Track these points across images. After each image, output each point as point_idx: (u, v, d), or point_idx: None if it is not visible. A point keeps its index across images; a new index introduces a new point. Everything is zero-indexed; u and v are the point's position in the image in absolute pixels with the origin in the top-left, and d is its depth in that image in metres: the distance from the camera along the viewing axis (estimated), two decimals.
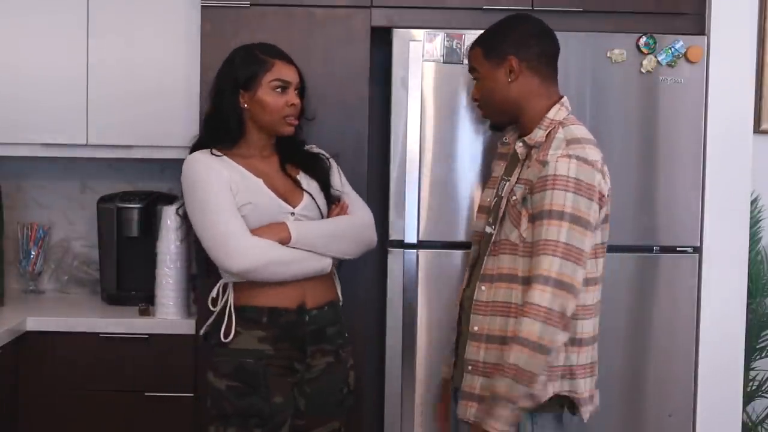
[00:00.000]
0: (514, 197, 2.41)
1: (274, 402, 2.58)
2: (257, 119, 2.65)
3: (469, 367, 2.46)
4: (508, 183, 2.48)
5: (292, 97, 2.65)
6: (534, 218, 2.35)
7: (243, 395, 2.57)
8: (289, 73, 2.66)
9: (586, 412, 2.45)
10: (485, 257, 2.47)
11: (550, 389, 2.37)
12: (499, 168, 2.61)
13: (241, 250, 2.53)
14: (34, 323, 3.12)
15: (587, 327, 2.43)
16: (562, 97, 2.49)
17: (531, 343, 2.27)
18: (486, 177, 2.78)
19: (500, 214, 2.45)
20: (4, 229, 3.39)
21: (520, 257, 2.38)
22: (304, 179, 2.71)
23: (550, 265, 2.28)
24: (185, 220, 2.68)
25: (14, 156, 3.41)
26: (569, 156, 2.33)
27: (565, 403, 2.44)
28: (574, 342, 2.40)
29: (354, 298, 2.99)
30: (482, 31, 2.58)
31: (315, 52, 3.02)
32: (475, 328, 2.45)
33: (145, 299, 3.25)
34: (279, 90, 2.63)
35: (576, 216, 2.29)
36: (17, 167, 3.62)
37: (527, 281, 2.34)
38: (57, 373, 3.12)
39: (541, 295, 2.27)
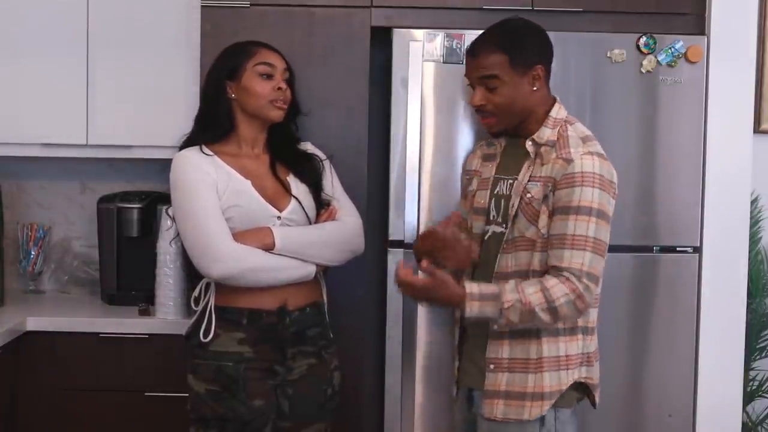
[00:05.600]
0: (529, 195, 2.43)
1: (254, 405, 2.58)
2: (246, 107, 2.64)
3: (492, 366, 2.48)
4: (514, 181, 2.49)
5: (279, 81, 2.64)
6: (556, 212, 2.39)
7: (222, 399, 2.57)
8: (273, 58, 2.65)
9: (596, 396, 2.54)
10: (498, 256, 2.49)
11: (570, 378, 2.45)
12: (487, 169, 2.61)
13: (221, 256, 2.52)
14: (34, 323, 3.12)
15: (594, 316, 2.52)
16: (555, 96, 2.55)
17: (551, 303, 2.34)
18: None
19: (512, 213, 2.46)
20: (4, 229, 3.39)
21: (537, 252, 2.43)
22: (293, 182, 2.69)
23: (582, 258, 2.35)
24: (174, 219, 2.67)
25: (14, 156, 3.41)
26: (591, 153, 2.40)
27: (580, 393, 2.51)
28: (587, 331, 2.49)
29: (354, 297, 2.99)
30: (490, 35, 2.51)
31: (315, 52, 3.02)
32: (495, 327, 2.46)
33: (145, 299, 3.26)
34: (265, 76, 2.62)
35: (602, 211, 2.38)
36: (17, 167, 3.62)
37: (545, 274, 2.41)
38: (57, 373, 3.12)
39: (578, 281, 2.35)
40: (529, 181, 2.45)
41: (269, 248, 2.56)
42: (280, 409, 2.65)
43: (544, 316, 2.36)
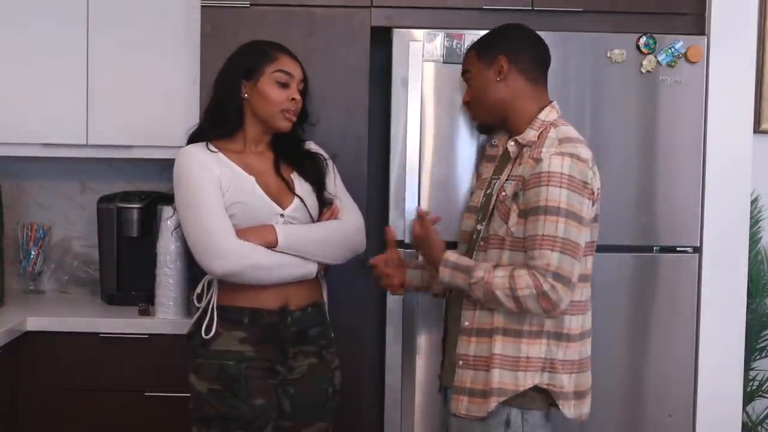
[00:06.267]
0: (503, 193, 2.45)
1: (256, 404, 2.58)
2: (256, 111, 2.64)
3: (460, 362, 2.49)
4: (498, 181, 2.52)
5: (294, 92, 2.64)
6: (527, 213, 2.39)
7: (224, 398, 2.57)
8: (292, 67, 2.65)
9: (566, 407, 2.46)
10: (474, 253, 2.52)
11: (529, 380, 2.42)
12: (487, 170, 2.66)
13: (224, 253, 2.52)
14: (34, 323, 3.12)
15: (575, 323, 2.47)
16: (552, 101, 2.54)
17: (514, 291, 2.35)
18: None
19: (489, 211, 2.49)
20: (4, 229, 3.39)
21: (506, 251, 2.43)
22: (297, 180, 2.69)
23: (549, 258, 2.33)
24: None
25: (14, 156, 3.41)
26: (562, 154, 2.37)
27: (550, 400, 2.47)
28: (561, 337, 2.45)
29: (354, 297, 2.99)
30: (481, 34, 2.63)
31: (315, 52, 3.02)
32: (466, 323, 2.49)
33: (145, 299, 3.26)
34: (281, 83, 2.62)
35: (571, 212, 2.35)
36: (17, 167, 3.62)
37: None
38: (57, 373, 3.12)
39: (543, 279, 2.33)
40: (507, 180, 2.47)
41: (272, 246, 2.56)
42: (282, 409, 2.65)
43: (507, 302, 2.36)
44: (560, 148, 2.38)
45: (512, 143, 2.50)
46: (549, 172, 2.35)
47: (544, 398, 2.46)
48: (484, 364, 2.44)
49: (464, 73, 2.61)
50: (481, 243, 2.50)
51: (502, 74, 2.50)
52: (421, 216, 2.58)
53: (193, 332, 2.65)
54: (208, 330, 2.59)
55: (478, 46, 2.58)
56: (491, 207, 2.48)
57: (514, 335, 2.43)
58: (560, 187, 2.34)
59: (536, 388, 2.44)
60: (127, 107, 3.31)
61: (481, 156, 2.86)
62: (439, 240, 2.55)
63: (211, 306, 2.61)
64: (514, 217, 2.41)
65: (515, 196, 2.41)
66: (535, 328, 2.43)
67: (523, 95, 2.51)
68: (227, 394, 2.57)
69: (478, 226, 2.56)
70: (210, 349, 2.59)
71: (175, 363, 3.05)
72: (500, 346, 2.42)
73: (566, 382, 2.46)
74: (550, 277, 2.32)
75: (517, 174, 2.43)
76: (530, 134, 2.47)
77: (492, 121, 2.59)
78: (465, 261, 2.47)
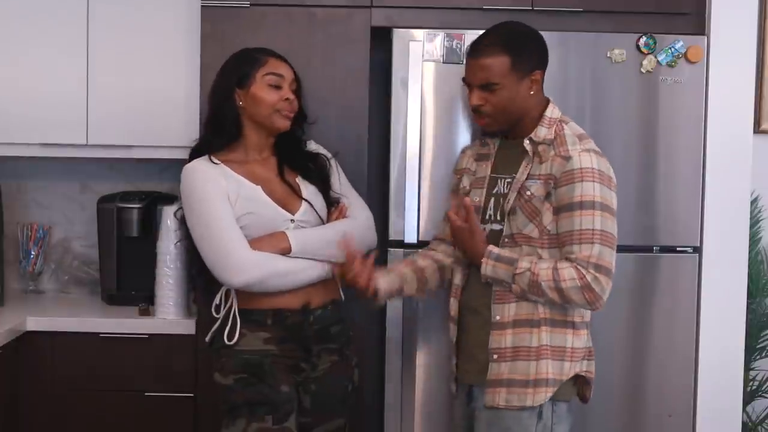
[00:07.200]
0: (528, 192, 2.47)
1: (282, 390, 2.60)
2: (253, 116, 2.65)
3: (495, 356, 2.51)
4: (512, 180, 2.52)
5: (287, 92, 2.65)
6: (560, 210, 2.44)
7: (250, 384, 2.58)
8: (282, 68, 2.67)
9: (588, 391, 2.57)
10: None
11: (573, 369, 2.50)
12: (482, 168, 2.64)
13: (240, 265, 2.53)
14: (34, 323, 3.13)
15: (588, 312, 2.55)
16: (548, 98, 2.59)
17: (557, 283, 2.40)
18: None
19: (507, 209, 2.50)
20: (4, 229, 3.39)
21: (545, 249, 2.48)
22: (302, 184, 2.71)
23: (590, 250, 2.40)
24: (182, 223, 2.69)
25: (14, 156, 3.41)
26: (588, 150, 2.46)
27: (577, 387, 2.54)
28: (589, 326, 2.55)
29: (354, 297, 2.99)
30: (493, 37, 2.52)
31: (315, 52, 3.02)
32: (497, 318, 2.51)
33: (145, 299, 3.25)
34: (273, 85, 2.64)
35: (605, 204, 2.43)
36: (17, 167, 3.62)
37: None
38: (57, 373, 3.12)
39: (585, 271, 2.40)
40: (527, 179, 2.49)
41: (286, 252, 2.59)
42: (301, 405, 2.67)
43: (551, 294, 2.42)
44: (584, 145, 2.47)
45: (527, 142, 2.51)
46: (581, 168, 2.42)
47: (572, 388, 2.53)
48: (526, 354, 2.48)
49: (488, 82, 2.48)
50: (506, 240, 2.51)
51: (534, 88, 2.52)
52: (466, 206, 2.51)
53: (215, 338, 2.66)
54: (231, 336, 2.60)
55: (512, 54, 2.47)
56: (510, 204, 2.50)
57: (561, 326, 2.49)
58: (593, 181, 2.42)
59: (573, 376, 2.50)
60: (127, 107, 3.30)
61: (463, 154, 2.79)
62: (481, 231, 2.54)
63: (232, 313, 2.62)
64: (548, 216, 2.46)
65: (548, 195, 2.45)
66: (577, 318, 2.50)
67: (537, 101, 2.54)
68: (253, 380, 2.58)
69: (490, 226, 2.56)
70: (234, 349, 2.61)
71: (175, 363, 3.06)
72: (548, 336, 2.48)
73: (593, 368, 2.56)
74: (592, 268, 2.40)
75: (543, 173, 2.47)
76: (542, 131, 2.51)
77: (507, 127, 2.57)
78: (507, 253, 2.49)
